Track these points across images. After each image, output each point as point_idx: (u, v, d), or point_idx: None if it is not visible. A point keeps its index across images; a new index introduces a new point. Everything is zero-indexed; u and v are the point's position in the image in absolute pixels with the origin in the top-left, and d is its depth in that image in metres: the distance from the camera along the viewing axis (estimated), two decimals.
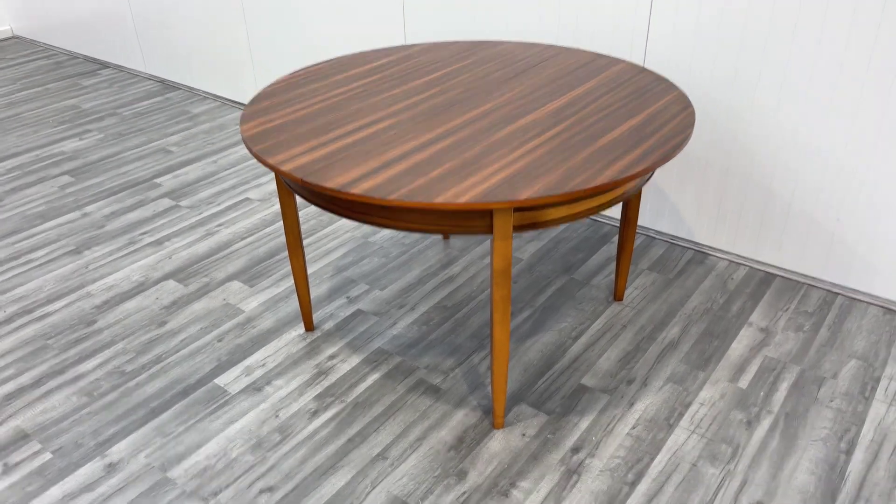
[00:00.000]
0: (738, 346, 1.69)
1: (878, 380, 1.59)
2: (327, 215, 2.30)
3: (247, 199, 2.42)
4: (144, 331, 1.80)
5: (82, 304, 1.91)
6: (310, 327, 1.78)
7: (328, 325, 1.80)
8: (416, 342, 1.73)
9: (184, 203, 2.40)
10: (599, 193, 1.30)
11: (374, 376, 1.63)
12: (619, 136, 1.34)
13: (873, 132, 1.66)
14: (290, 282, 1.97)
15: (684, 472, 1.38)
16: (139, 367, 1.68)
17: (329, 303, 1.88)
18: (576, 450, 1.44)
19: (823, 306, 1.82)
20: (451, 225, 1.26)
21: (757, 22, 1.70)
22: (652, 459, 1.41)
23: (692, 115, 1.42)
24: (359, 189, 1.18)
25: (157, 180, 2.56)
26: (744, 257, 1.99)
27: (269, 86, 1.65)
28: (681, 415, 1.51)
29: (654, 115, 1.43)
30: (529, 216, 1.26)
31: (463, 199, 1.14)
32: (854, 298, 1.84)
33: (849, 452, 1.41)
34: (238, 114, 3.11)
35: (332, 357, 1.70)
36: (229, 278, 2.00)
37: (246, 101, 3.14)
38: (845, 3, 1.57)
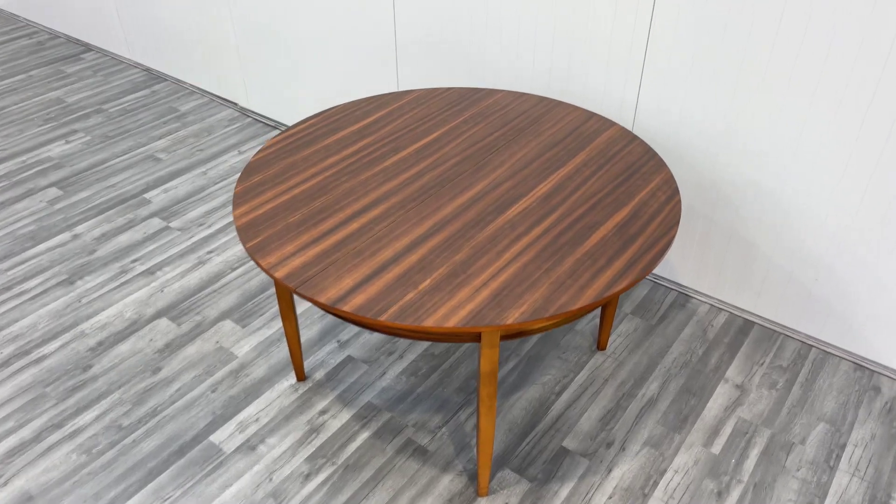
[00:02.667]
0: (714, 405, 1.77)
1: (843, 447, 1.67)
2: None
3: None
4: (139, 378, 1.85)
5: (77, 346, 1.95)
6: (301, 377, 1.83)
7: (319, 374, 1.86)
8: (404, 396, 1.80)
9: (174, 224, 2.41)
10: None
11: (364, 435, 1.70)
12: (605, 236, 1.37)
13: (858, 196, 1.69)
14: (281, 322, 2.01)
15: None
16: (136, 420, 1.74)
17: (320, 347, 1.93)
18: None
19: (798, 360, 1.89)
20: (442, 338, 1.30)
21: (751, 76, 1.70)
22: None
23: (678, 208, 1.45)
24: (351, 306, 1.22)
25: (147, 195, 2.56)
26: (725, 302, 2.05)
27: (261, 151, 1.65)
28: (655, 483, 1.59)
29: (640, 206, 1.45)
30: (515, 327, 1.30)
31: (452, 323, 1.18)
32: (827, 352, 1.90)
33: None
34: (226, 113, 3.08)
35: (323, 412, 1.76)
36: (222, 316, 2.04)
37: (234, 97, 3.10)
38: (840, 63, 1.57)
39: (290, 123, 2.92)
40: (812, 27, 1.55)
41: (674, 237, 1.37)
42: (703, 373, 1.86)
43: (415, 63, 2.33)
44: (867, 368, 1.86)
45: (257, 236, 1.38)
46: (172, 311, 2.06)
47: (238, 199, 1.48)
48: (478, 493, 1.57)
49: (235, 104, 3.13)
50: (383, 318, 1.19)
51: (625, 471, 1.62)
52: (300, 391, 1.81)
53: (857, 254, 1.75)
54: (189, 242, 2.33)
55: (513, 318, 1.19)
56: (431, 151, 1.64)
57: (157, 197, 2.55)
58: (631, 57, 1.84)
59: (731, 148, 1.80)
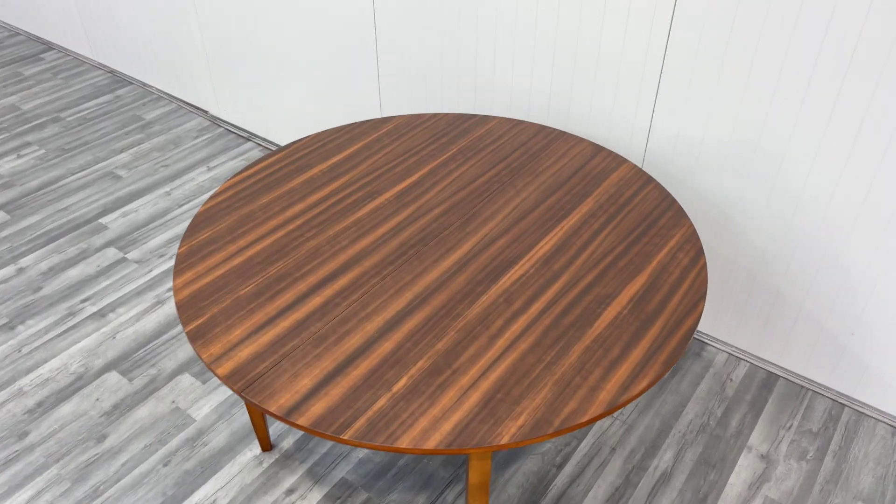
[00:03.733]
0: (737, 480, 1.55)
1: None
2: None
3: None
4: (81, 448, 1.62)
5: (13, 408, 1.71)
6: (266, 447, 1.61)
7: (287, 443, 1.63)
8: (383, 470, 1.57)
9: (132, 255, 2.17)
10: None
11: None
12: (619, 315, 1.14)
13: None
14: None
15: None
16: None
17: None
18: None
19: (829, 422, 1.67)
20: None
21: (786, 100, 1.47)
22: None
23: (704, 275, 1.22)
24: (307, 419, 0.99)
25: (103, 220, 2.31)
26: (745, 352, 1.82)
27: (213, 198, 1.41)
28: None
29: (660, 271, 1.22)
30: (511, 446, 1.07)
31: (432, 443, 0.95)
32: (862, 412, 1.69)
33: None
34: (196, 122, 2.82)
35: (290, 491, 1.53)
36: (180, 369, 1.81)
37: (203, 105, 2.84)
38: (884, 102, 1.34)
39: (264, 136, 2.67)
40: (862, 41, 1.31)
41: (700, 315, 1.15)
42: (724, 439, 1.64)
43: (398, 79, 2.08)
44: None
45: (199, 316, 1.14)
46: (124, 362, 1.83)
47: (180, 265, 1.24)
48: None
49: (206, 112, 2.88)
50: (346, 435, 0.97)
51: None
52: (265, 464, 1.59)
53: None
54: (147, 278, 2.09)
55: (508, 434, 0.97)
56: (413, 197, 1.41)
57: (115, 222, 2.30)
58: (644, 79, 1.60)
59: (758, 184, 1.57)
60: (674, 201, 1.39)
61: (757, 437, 1.64)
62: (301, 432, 1.65)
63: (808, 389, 1.75)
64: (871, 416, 1.69)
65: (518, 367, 1.06)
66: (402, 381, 1.04)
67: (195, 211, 2.35)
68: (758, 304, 1.73)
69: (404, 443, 0.95)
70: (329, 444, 1.62)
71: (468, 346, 1.09)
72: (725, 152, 1.57)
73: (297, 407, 1.00)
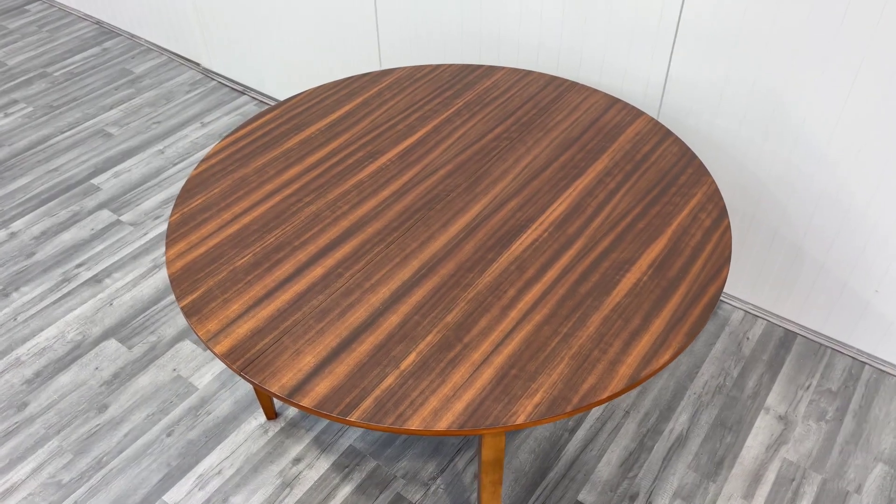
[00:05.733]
0: (754, 442, 1.51)
1: None
2: None
3: None
4: (83, 419, 1.58)
5: (11, 378, 1.67)
6: (271, 415, 1.57)
7: (291, 411, 1.59)
8: (391, 439, 1.54)
9: (126, 217, 2.10)
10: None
11: (346, 490, 1.45)
12: (639, 281, 1.07)
13: None
14: None
15: None
16: (77, 476, 1.48)
17: None
18: None
19: (849, 381, 1.62)
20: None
21: (815, 47, 1.37)
22: None
23: (728, 238, 1.14)
24: (311, 399, 0.93)
25: (95, 181, 2.23)
26: (762, 309, 1.76)
27: (205, 161, 1.33)
28: None
29: (681, 233, 1.15)
30: (527, 425, 1.02)
31: (444, 424, 0.90)
32: (883, 371, 1.64)
33: None
34: (188, 75, 2.71)
35: (297, 460, 1.50)
36: (180, 336, 1.75)
37: (195, 57, 2.73)
38: None
39: (259, 90, 2.56)
40: None
41: (725, 281, 1.08)
42: (740, 400, 1.59)
43: (398, 30, 1.97)
44: None
45: (194, 289, 1.08)
46: (123, 329, 1.78)
47: (172, 234, 1.17)
48: None
49: (197, 64, 2.76)
50: (353, 417, 0.91)
51: None
52: (270, 433, 1.55)
53: None
54: (143, 241, 2.02)
55: (524, 413, 0.91)
56: (417, 157, 1.33)
57: (107, 183, 2.23)
58: (661, 25, 1.49)
59: (781, 136, 1.48)
60: (694, 157, 1.31)
61: (774, 398, 1.60)
62: None
63: (828, 348, 1.69)
64: (893, 375, 1.64)
65: (533, 340, 1.00)
66: (411, 358, 0.98)
67: (190, 170, 2.26)
68: (777, 261, 1.66)
69: (414, 424, 0.90)
70: None
71: (479, 319, 1.03)
72: (747, 104, 1.48)
73: (300, 387, 0.94)
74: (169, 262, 1.12)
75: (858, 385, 1.62)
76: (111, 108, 2.56)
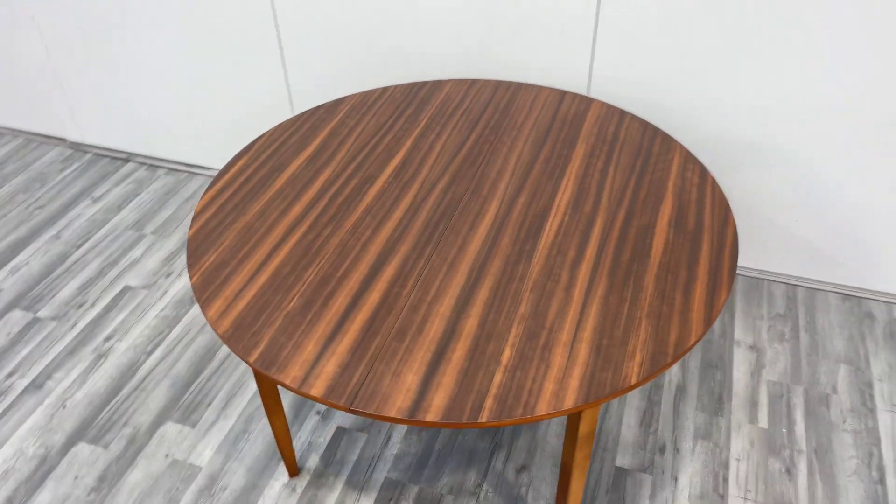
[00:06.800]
0: (739, 374, 1.68)
1: (870, 384, 1.65)
2: None
3: (126, 287, 1.95)
4: None
5: None
6: (294, 472, 1.49)
7: (313, 461, 1.53)
8: (423, 459, 1.52)
9: (44, 314, 1.89)
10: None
11: None
12: (667, 239, 1.18)
13: (836, 134, 1.64)
14: (238, 406, 1.64)
15: None
16: None
17: (299, 426, 1.59)
18: None
19: (790, 304, 1.85)
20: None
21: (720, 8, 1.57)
22: None
23: (718, 187, 1.28)
24: (434, 414, 0.93)
25: None
26: None
27: (196, 220, 1.25)
28: (725, 479, 1.47)
29: (680, 193, 1.27)
30: (641, 384, 1.08)
31: (570, 402, 0.94)
32: (814, 288, 1.89)
33: (881, 481, 1.47)
34: (54, 153, 2.49)
35: None
36: (159, 419, 1.62)
37: (58, 133, 2.51)
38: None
39: (148, 154, 2.41)
40: None
41: (735, 225, 1.21)
42: (714, 342, 1.76)
43: (308, 64, 1.96)
44: (854, 297, 1.86)
45: (257, 342, 1.02)
46: (89, 430, 1.60)
47: (203, 294, 1.10)
48: None
49: (63, 140, 2.54)
50: (483, 418, 0.92)
51: (690, 475, 1.49)
52: (299, 489, 1.48)
53: (832, 188, 1.71)
54: (74, 333, 1.83)
55: (634, 374, 0.97)
56: (410, 174, 1.35)
57: (6, 281, 1.99)
58: (585, 14, 1.63)
59: (710, 105, 1.68)
60: (656, 129, 1.45)
61: (740, 332, 1.78)
62: (324, 446, 1.55)
63: (764, 280, 1.92)
64: (821, 290, 1.89)
65: (606, 310, 1.06)
66: (507, 353, 1.00)
67: (102, 247, 2.08)
68: None
69: (542, 410, 0.93)
70: (357, 448, 1.54)
71: (549, 304, 1.07)
72: (667, 81, 1.66)
73: (417, 407, 0.93)
74: (214, 322, 1.05)
75: (798, 305, 1.85)
76: None
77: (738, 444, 1.54)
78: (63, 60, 2.27)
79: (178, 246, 2.09)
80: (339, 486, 1.48)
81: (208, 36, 2.02)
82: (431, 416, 0.93)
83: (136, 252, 2.07)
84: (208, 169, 2.37)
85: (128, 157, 2.45)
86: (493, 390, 0.95)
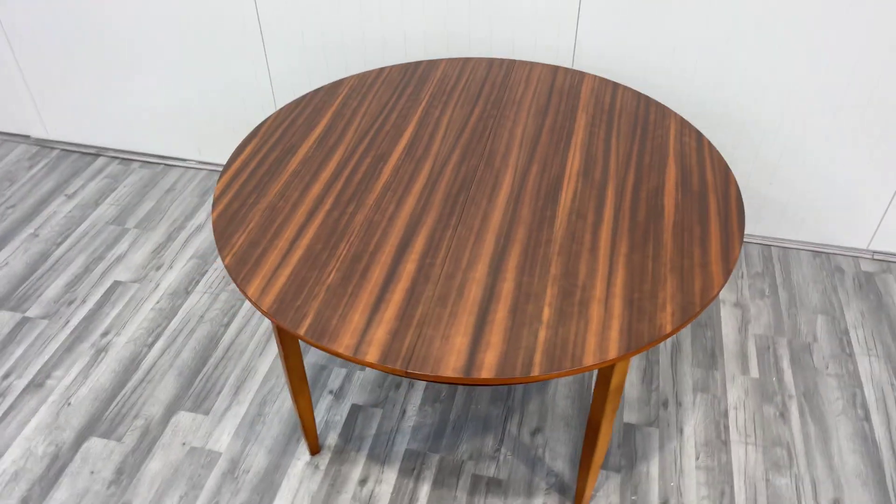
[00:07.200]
0: (728, 330, 1.78)
1: (846, 332, 1.78)
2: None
3: (116, 282, 1.92)
4: None
5: None
6: (316, 450, 1.52)
7: (332, 439, 1.55)
8: (440, 429, 1.57)
9: (33, 312, 1.84)
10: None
11: (424, 489, 1.46)
12: (677, 201, 1.25)
13: (797, 101, 1.74)
14: (249, 391, 1.64)
15: (763, 490, 1.46)
16: None
17: (314, 406, 1.61)
18: (665, 503, 1.44)
19: (766, 262, 1.96)
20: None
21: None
22: (732, 488, 1.46)
23: (715, 151, 1.36)
24: (488, 371, 0.97)
25: None
26: None
27: (217, 204, 1.26)
28: (726, 427, 1.57)
29: (681, 157, 1.35)
30: (677, 330, 1.14)
31: (614, 352, 0.99)
32: (786, 247, 2.00)
33: (867, 419, 1.59)
34: (20, 151, 2.41)
35: (363, 481, 1.47)
36: (171, 408, 1.61)
37: (22, 129, 2.43)
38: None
39: (121, 147, 2.36)
40: None
41: (737, 183, 1.29)
42: None
43: (287, 46, 1.96)
44: (823, 253, 1.99)
45: (304, 315, 1.05)
46: (99, 424, 1.58)
47: (239, 274, 1.11)
48: None
49: (27, 137, 2.46)
50: (535, 372, 0.97)
51: (694, 426, 1.57)
52: (322, 466, 1.50)
53: (801, 153, 1.82)
54: (68, 330, 1.80)
55: (668, 323, 1.04)
56: (422, 151, 1.38)
57: None
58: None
59: (682, 65, 1.76)
60: (649, 98, 1.52)
61: (724, 292, 1.89)
62: (341, 423, 1.57)
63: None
64: (792, 248, 2.01)
65: (632, 268, 1.12)
66: (546, 312, 1.05)
67: (84, 243, 2.04)
68: None
69: (589, 361, 0.98)
70: (374, 423, 1.57)
71: (578, 264, 1.13)
72: (646, 50, 1.74)
73: (471, 366, 0.98)
74: (257, 300, 1.07)
75: (774, 263, 1.97)
76: None
77: (734, 394, 1.64)
78: (26, 55, 2.20)
79: (164, 238, 2.06)
80: (362, 460, 1.51)
81: (179, 25, 1.99)
82: (486, 372, 0.97)
83: (122, 247, 2.04)
84: (185, 160, 2.34)
85: (98, 152, 2.40)
86: (540, 346, 1.01)
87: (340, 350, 1.00)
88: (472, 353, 1.00)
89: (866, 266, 1.95)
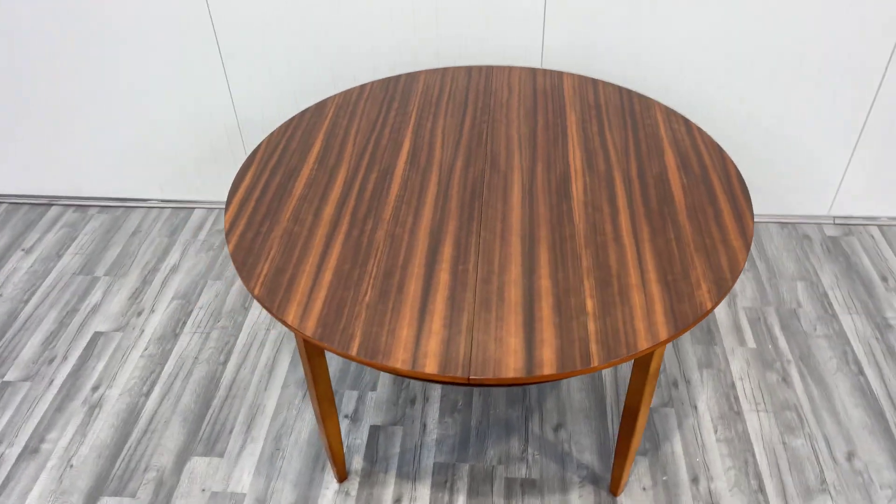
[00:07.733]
0: (718, 307, 1.85)
1: (824, 294, 1.87)
2: (245, 311, 1.86)
3: (97, 333, 1.83)
4: None
5: None
6: (343, 475, 1.48)
7: (357, 463, 1.52)
8: (465, 438, 1.56)
9: (11, 376, 1.73)
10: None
11: (461, 500, 1.45)
12: (684, 185, 1.29)
13: (766, 78, 1.84)
14: (262, 427, 1.59)
15: (783, 454, 1.51)
16: None
17: None
18: (695, 480, 1.48)
19: None
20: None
21: None
22: (754, 456, 1.51)
23: (705, 134, 1.42)
24: (550, 367, 0.98)
25: None
26: None
27: (231, 232, 1.22)
28: (736, 398, 1.63)
29: (675, 143, 1.40)
30: (716, 305, 1.17)
31: (665, 334, 1.02)
32: (755, 222, 2.10)
33: (861, 373, 1.67)
34: None
35: (397, 501, 1.45)
36: (182, 456, 1.54)
37: None
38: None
39: (75, 195, 2.25)
40: None
41: (733, 161, 1.35)
42: None
43: (251, 72, 1.92)
44: (789, 223, 2.10)
45: (350, 338, 1.03)
46: (108, 483, 1.50)
47: (273, 302, 1.09)
48: (614, 494, 1.45)
49: None
50: (595, 363, 0.99)
51: (706, 401, 1.62)
52: (353, 492, 1.47)
53: (764, 131, 1.92)
54: (53, 390, 1.70)
55: (707, 301, 1.07)
56: (425, 160, 1.38)
57: None
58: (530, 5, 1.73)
59: (642, 56, 1.83)
60: (630, 91, 1.57)
61: None
62: (363, 446, 1.55)
63: None
64: (761, 222, 2.10)
65: (658, 252, 1.16)
66: (590, 304, 1.07)
67: (55, 296, 1.93)
68: None
69: (643, 345, 1.01)
70: (397, 442, 1.55)
71: (607, 255, 1.15)
72: (610, 48, 1.79)
73: (531, 364, 0.98)
74: (298, 326, 1.04)
75: None
76: None
77: (737, 366, 1.70)
78: None
79: (139, 283, 1.98)
80: (392, 480, 1.49)
81: (130, 55, 1.93)
82: (547, 369, 0.98)
83: (95, 296, 1.94)
84: (146, 200, 2.25)
85: (49, 202, 2.28)
86: (592, 337, 1.02)
87: (397, 365, 0.99)
88: (528, 351, 1.00)
89: (830, 231, 2.07)
